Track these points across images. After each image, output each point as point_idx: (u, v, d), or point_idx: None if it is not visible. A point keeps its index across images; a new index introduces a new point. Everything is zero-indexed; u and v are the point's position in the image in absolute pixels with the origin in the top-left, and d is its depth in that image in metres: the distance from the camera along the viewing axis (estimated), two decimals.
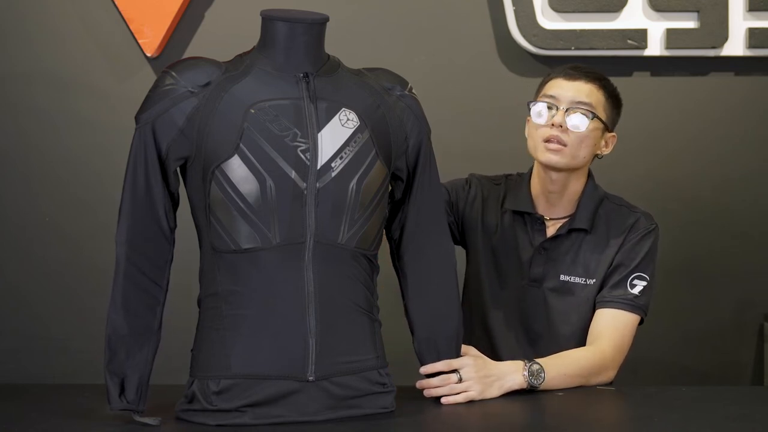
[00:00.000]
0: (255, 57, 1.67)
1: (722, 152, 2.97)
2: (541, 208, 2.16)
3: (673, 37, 2.88)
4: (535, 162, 2.15)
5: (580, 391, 1.89)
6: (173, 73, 1.62)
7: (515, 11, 2.89)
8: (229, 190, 1.57)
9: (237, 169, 1.57)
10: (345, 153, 1.62)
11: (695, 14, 2.89)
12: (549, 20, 2.90)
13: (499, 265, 2.16)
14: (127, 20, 2.94)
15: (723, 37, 2.88)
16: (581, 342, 2.05)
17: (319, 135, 1.61)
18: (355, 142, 1.64)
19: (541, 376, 1.85)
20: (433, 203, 1.79)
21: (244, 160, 1.57)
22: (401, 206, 1.78)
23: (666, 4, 2.88)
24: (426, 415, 1.69)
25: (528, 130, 2.13)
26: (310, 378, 1.60)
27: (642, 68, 2.96)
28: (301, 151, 1.59)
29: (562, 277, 2.10)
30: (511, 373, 1.83)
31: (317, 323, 1.60)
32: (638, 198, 2.30)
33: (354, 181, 1.62)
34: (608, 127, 2.12)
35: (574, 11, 2.89)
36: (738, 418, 1.66)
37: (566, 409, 1.76)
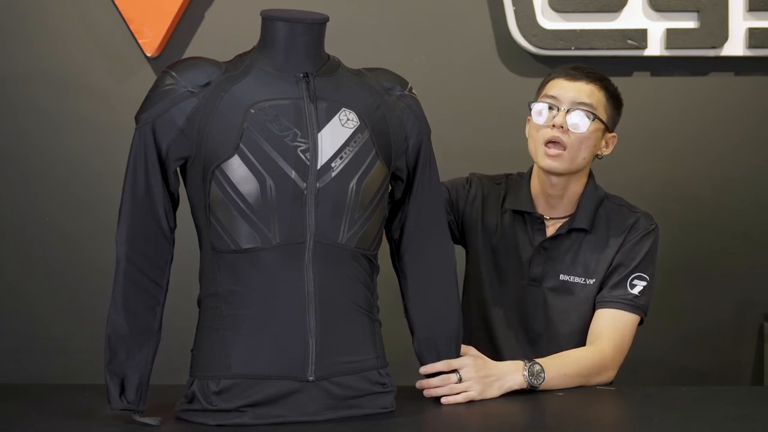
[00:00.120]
0: (255, 57, 1.67)
1: (722, 152, 2.97)
2: (541, 208, 2.16)
3: (673, 37, 2.88)
4: (536, 163, 2.15)
5: (580, 391, 1.89)
6: (173, 73, 1.62)
7: (515, 11, 2.89)
8: (229, 190, 1.57)
9: (237, 169, 1.57)
10: (345, 153, 1.62)
11: (695, 14, 2.89)
12: (549, 20, 2.90)
13: (499, 264, 2.16)
14: (127, 20, 2.94)
15: (723, 37, 2.88)
16: (581, 342, 2.05)
17: (319, 135, 1.61)
18: (355, 142, 1.64)
19: (541, 376, 1.85)
20: (433, 203, 1.79)
21: (244, 160, 1.57)
22: (401, 206, 1.78)
23: (666, 4, 2.88)
24: (426, 415, 1.69)
25: (528, 131, 2.13)
26: (310, 378, 1.60)
27: (642, 68, 2.96)
28: (301, 151, 1.59)
29: (562, 277, 2.10)
30: (511, 373, 1.83)
31: (317, 323, 1.60)
32: (638, 198, 2.30)
33: (354, 181, 1.62)
34: (609, 128, 2.12)
35: (574, 11, 2.89)
36: (738, 418, 1.66)
37: (566, 409, 1.76)
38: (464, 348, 1.82)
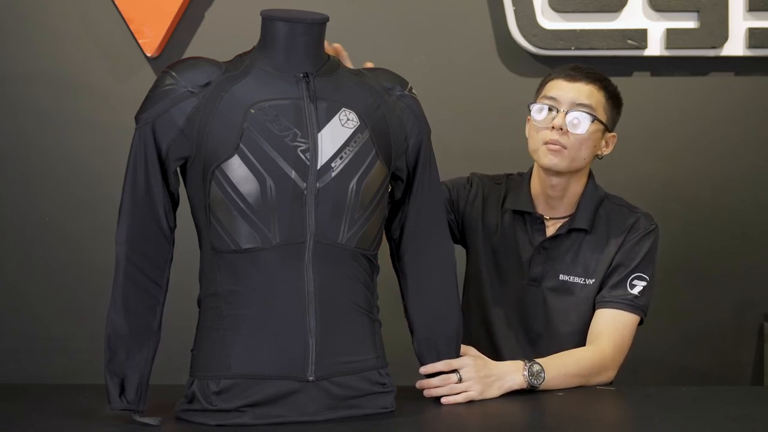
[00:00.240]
0: (255, 57, 1.67)
1: (722, 152, 2.97)
2: (541, 208, 2.16)
3: (673, 37, 2.88)
4: (536, 163, 2.15)
5: (580, 391, 1.89)
6: (173, 73, 1.62)
7: (515, 11, 2.89)
8: (229, 190, 1.57)
9: (237, 169, 1.57)
10: (345, 153, 1.62)
11: (695, 14, 2.89)
12: (549, 20, 2.90)
13: (499, 264, 2.16)
14: (127, 20, 2.94)
15: (723, 37, 2.88)
16: (581, 342, 2.05)
17: (319, 135, 1.61)
18: (355, 142, 1.64)
19: (541, 376, 1.85)
20: (433, 203, 1.79)
21: (244, 160, 1.57)
22: (401, 206, 1.78)
23: (666, 4, 2.88)
24: (426, 415, 1.69)
25: (528, 131, 2.13)
26: (310, 378, 1.60)
27: (642, 68, 2.96)
28: (301, 151, 1.59)
29: (562, 277, 2.10)
30: (511, 373, 1.83)
31: (317, 323, 1.60)
32: (638, 198, 2.30)
33: (354, 181, 1.62)
34: (608, 128, 2.12)
35: (574, 11, 2.89)
36: (738, 418, 1.66)
37: (566, 409, 1.76)
38: (464, 348, 1.82)
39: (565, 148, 2.05)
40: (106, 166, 2.88)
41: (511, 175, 2.26)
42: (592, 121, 2.05)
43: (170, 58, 2.88)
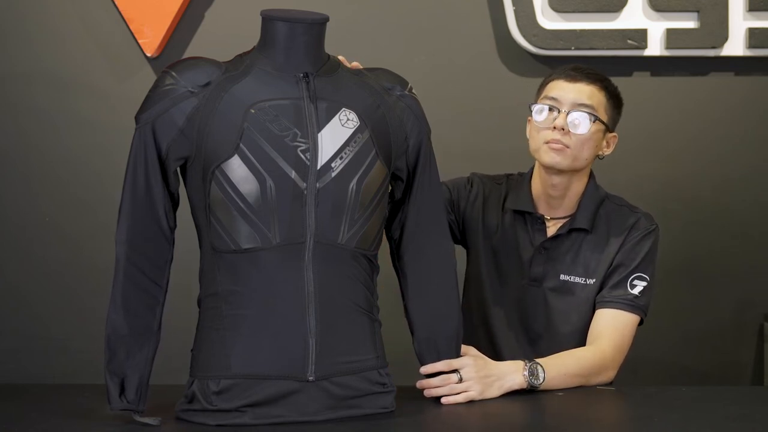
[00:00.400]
0: (255, 57, 1.67)
1: (722, 152, 2.97)
2: (542, 208, 2.16)
3: (673, 37, 2.88)
4: (537, 163, 2.15)
5: (580, 391, 1.89)
6: (173, 73, 1.62)
7: (515, 11, 2.89)
8: (229, 190, 1.57)
9: (237, 169, 1.57)
10: (345, 153, 1.62)
11: (695, 14, 2.89)
12: (549, 20, 2.90)
13: (500, 264, 2.16)
14: (127, 20, 2.94)
15: (723, 37, 2.88)
16: (581, 342, 2.05)
17: (319, 135, 1.61)
18: (355, 142, 1.64)
19: (541, 376, 1.85)
20: (433, 203, 1.79)
21: (244, 160, 1.57)
22: (401, 206, 1.78)
23: (666, 4, 2.88)
24: (426, 415, 1.69)
25: (529, 131, 2.13)
26: (310, 378, 1.60)
27: (642, 68, 2.96)
28: (301, 151, 1.59)
29: (562, 277, 2.10)
30: (511, 373, 1.83)
31: (317, 323, 1.60)
32: (638, 198, 2.30)
33: (354, 181, 1.62)
34: (609, 128, 2.12)
35: (574, 11, 2.89)
36: (738, 418, 1.66)
37: (566, 409, 1.76)
38: (464, 348, 1.82)
39: (567, 147, 2.05)
40: (106, 166, 2.88)
41: (511, 175, 2.26)
42: (594, 122, 2.05)
43: (170, 58, 2.88)
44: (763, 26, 2.88)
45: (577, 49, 2.89)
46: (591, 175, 2.18)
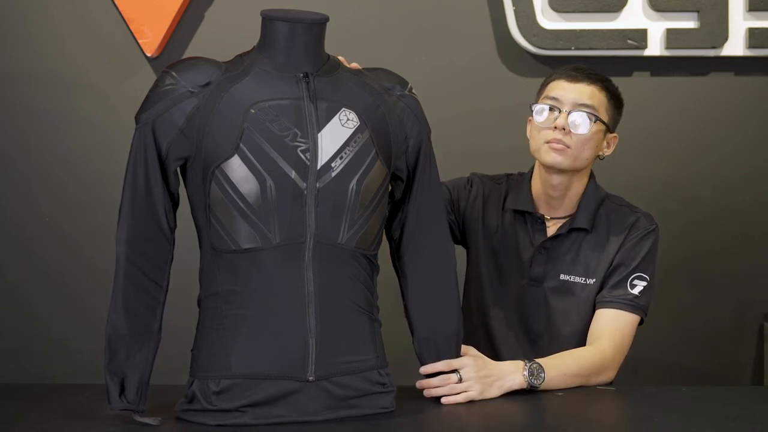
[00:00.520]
0: (255, 57, 1.67)
1: (722, 152, 2.97)
2: (542, 208, 2.16)
3: (673, 37, 2.88)
4: (537, 162, 2.15)
5: (580, 391, 1.89)
6: (173, 73, 1.62)
7: (515, 11, 2.89)
8: (229, 190, 1.57)
9: (237, 169, 1.57)
10: (345, 153, 1.62)
11: (695, 14, 2.89)
12: (549, 20, 2.90)
13: (500, 264, 2.16)
14: (127, 20, 2.94)
15: (723, 37, 2.88)
16: (581, 342, 2.05)
17: (319, 135, 1.61)
18: (355, 142, 1.64)
19: (541, 376, 1.85)
20: (433, 203, 1.79)
21: (244, 160, 1.57)
22: (401, 206, 1.78)
23: (666, 4, 2.88)
24: (426, 415, 1.69)
25: (530, 131, 2.13)
26: (310, 378, 1.60)
27: (642, 68, 2.96)
28: (301, 151, 1.59)
29: (562, 277, 2.10)
30: (511, 373, 1.83)
31: (317, 323, 1.60)
32: (638, 198, 2.30)
33: (354, 181, 1.62)
34: (610, 128, 2.12)
35: (574, 11, 2.89)
36: (738, 418, 1.66)
37: (566, 409, 1.76)
38: (464, 348, 1.82)
39: (568, 147, 2.05)
40: (106, 166, 2.88)
41: (511, 175, 2.26)
42: (594, 122, 2.05)
43: (170, 58, 2.88)
44: (763, 26, 2.88)
45: (577, 49, 2.89)
46: (591, 175, 2.18)
